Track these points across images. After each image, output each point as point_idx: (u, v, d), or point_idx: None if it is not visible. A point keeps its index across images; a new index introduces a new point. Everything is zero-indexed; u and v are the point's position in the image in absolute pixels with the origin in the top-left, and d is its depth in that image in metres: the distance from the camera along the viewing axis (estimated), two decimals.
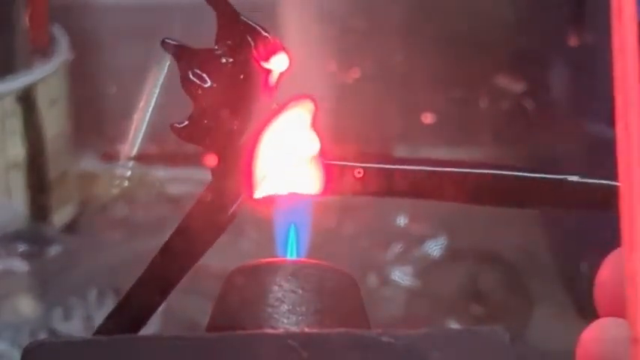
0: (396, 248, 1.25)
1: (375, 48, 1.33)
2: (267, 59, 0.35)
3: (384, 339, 0.31)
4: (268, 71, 0.36)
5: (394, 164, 0.37)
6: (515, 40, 1.34)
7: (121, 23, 1.35)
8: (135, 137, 0.37)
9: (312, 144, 0.36)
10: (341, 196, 0.37)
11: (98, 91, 1.38)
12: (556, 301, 1.19)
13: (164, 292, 0.36)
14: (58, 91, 1.25)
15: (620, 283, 0.26)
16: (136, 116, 0.36)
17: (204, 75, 0.36)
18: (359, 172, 0.36)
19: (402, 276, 1.22)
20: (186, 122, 0.36)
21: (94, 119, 1.36)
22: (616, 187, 0.34)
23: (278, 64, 0.36)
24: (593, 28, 1.15)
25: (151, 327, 1.13)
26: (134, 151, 0.37)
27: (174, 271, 0.36)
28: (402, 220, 1.28)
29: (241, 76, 0.36)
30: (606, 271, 0.33)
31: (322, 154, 0.37)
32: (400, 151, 1.35)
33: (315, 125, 0.36)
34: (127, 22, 1.34)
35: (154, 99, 0.36)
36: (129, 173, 1.18)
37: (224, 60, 0.36)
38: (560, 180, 0.36)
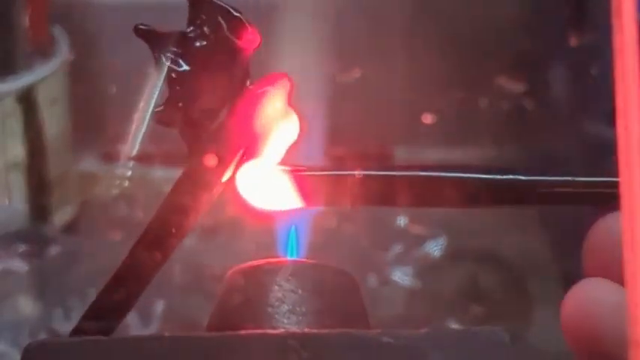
0: (396, 248, 1.25)
1: (375, 48, 1.33)
2: (239, 39, 0.36)
3: (384, 339, 0.31)
4: (241, 51, 0.36)
5: (392, 171, 0.37)
6: (516, 40, 1.34)
7: (121, 23, 1.35)
8: (135, 137, 0.37)
9: (291, 122, 0.37)
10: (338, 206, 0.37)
11: (98, 91, 1.38)
12: (556, 301, 1.19)
13: (140, 287, 0.37)
14: (58, 91, 1.25)
15: (608, 248, 0.26)
16: (136, 116, 0.36)
17: (177, 58, 0.36)
18: (359, 174, 0.36)
19: (402, 276, 1.22)
20: (161, 107, 0.36)
21: (94, 119, 1.36)
22: (609, 182, 0.35)
23: (250, 42, 0.36)
24: (593, 28, 1.15)
25: (151, 327, 1.13)
26: (134, 151, 0.37)
27: (149, 265, 0.36)
28: (402, 221, 1.28)
29: (215, 58, 0.36)
30: (596, 234, 0.34)
31: (318, 163, 0.37)
32: (400, 153, 1.35)
33: (290, 103, 0.37)
34: (127, 22, 1.33)
35: (154, 99, 0.36)
36: (129, 173, 1.18)
37: (197, 42, 0.36)
38: (557, 180, 0.36)
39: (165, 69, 0.35)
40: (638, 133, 0.23)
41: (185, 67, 0.35)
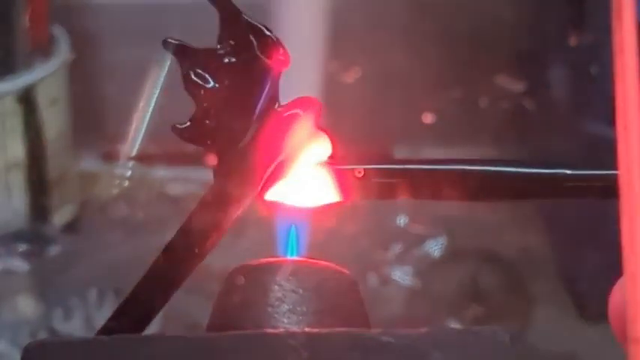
0: (396, 248, 1.25)
1: (374, 48, 1.33)
2: (269, 58, 0.35)
3: (384, 339, 0.31)
4: (271, 71, 0.35)
5: (394, 165, 0.37)
6: (516, 40, 1.34)
7: (121, 23, 1.35)
8: (135, 137, 0.36)
9: (323, 145, 0.36)
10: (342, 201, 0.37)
11: (98, 91, 1.38)
12: (556, 301, 1.19)
13: (167, 293, 0.36)
14: (58, 91, 1.25)
15: None
16: (136, 116, 0.36)
17: (206, 75, 0.35)
18: (359, 172, 0.36)
19: (402, 276, 1.22)
20: (187, 123, 0.35)
21: (94, 119, 1.36)
22: (610, 176, 0.34)
23: (280, 63, 0.35)
24: (593, 28, 1.15)
25: (151, 327, 1.13)
26: (134, 151, 0.37)
27: (177, 272, 0.36)
28: (402, 220, 1.28)
29: (244, 76, 0.35)
30: None
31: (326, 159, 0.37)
32: (400, 151, 1.35)
33: (318, 126, 0.36)
34: (127, 22, 1.34)
35: (154, 99, 0.36)
36: (129, 173, 1.18)
37: (226, 60, 0.35)
38: (557, 173, 0.36)
39: (166, 69, 0.35)
40: (637, 133, 0.23)
41: (213, 84, 0.34)
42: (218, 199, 0.35)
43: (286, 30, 1.22)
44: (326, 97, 1.17)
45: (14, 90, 1.20)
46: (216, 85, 0.35)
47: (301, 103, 0.35)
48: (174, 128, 0.35)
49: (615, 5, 0.24)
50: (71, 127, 1.29)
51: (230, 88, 0.35)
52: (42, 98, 1.23)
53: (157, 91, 0.36)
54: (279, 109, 0.35)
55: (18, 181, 1.23)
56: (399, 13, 1.36)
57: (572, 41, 1.17)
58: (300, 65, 0.38)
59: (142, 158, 1.19)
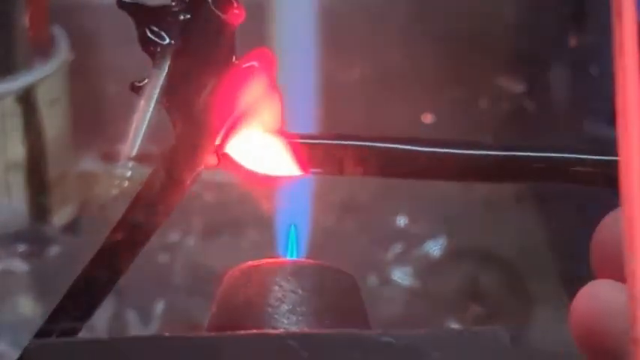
0: (396, 248, 1.25)
1: (374, 47, 1.33)
2: (224, 13, 0.35)
3: (384, 339, 0.31)
4: (227, 25, 0.35)
5: (387, 143, 0.37)
6: (516, 40, 1.34)
7: (121, 23, 1.35)
8: (135, 137, 0.36)
9: (276, 102, 0.36)
10: (331, 184, 0.37)
11: (98, 91, 1.38)
12: (556, 301, 1.19)
13: (120, 270, 0.36)
14: (58, 91, 1.25)
15: (617, 246, 0.26)
16: (136, 116, 0.36)
17: (161, 32, 0.36)
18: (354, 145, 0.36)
19: (402, 276, 1.22)
20: (146, 80, 0.36)
21: (94, 119, 1.36)
22: (605, 161, 0.35)
23: (236, 17, 0.36)
24: (593, 28, 1.15)
25: (151, 327, 1.13)
26: (134, 151, 0.37)
27: (131, 245, 0.36)
28: (402, 220, 1.28)
29: (199, 32, 0.35)
30: (603, 233, 0.33)
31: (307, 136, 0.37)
32: None
33: (273, 81, 0.36)
34: (127, 22, 1.34)
35: (154, 99, 0.36)
36: (129, 173, 1.18)
37: (181, 16, 0.35)
38: (552, 157, 0.36)
39: (166, 69, 0.35)
40: (638, 133, 0.23)
41: (169, 41, 0.35)
42: (180, 154, 0.36)
43: (285, 29, 1.22)
44: (325, 97, 1.17)
45: (14, 90, 1.20)
46: (172, 42, 0.35)
47: (257, 55, 0.36)
48: (132, 85, 0.35)
49: (615, 5, 0.24)
50: (71, 127, 1.29)
51: (186, 44, 0.36)
52: (42, 98, 1.23)
53: (157, 91, 0.36)
54: (236, 62, 0.36)
55: (18, 181, 1.23)
56: (398, 12, 1.36)
57: (572, 41, 1.17)
58: (299, 65, 0.38)
59: (142, 158, 1.19)
